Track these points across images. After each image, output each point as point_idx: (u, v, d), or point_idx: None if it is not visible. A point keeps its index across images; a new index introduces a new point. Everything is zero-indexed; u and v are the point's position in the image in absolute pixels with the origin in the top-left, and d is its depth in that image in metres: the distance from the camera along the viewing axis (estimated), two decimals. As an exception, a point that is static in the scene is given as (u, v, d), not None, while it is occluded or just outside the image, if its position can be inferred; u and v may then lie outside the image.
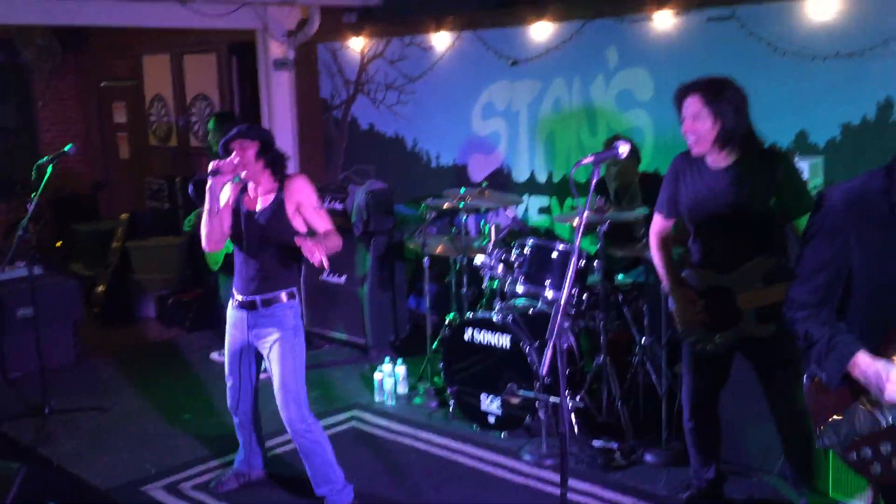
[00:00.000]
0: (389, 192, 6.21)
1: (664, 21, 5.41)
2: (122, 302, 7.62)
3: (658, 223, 3.68)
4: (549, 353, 2.47)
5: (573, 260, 2.55)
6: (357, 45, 7.18)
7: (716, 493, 3.82)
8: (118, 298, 7.61)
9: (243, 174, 3.74)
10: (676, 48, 5.38)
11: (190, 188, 3.93)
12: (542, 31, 5.99)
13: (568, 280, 2.54)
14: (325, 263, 3.52)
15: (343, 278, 6.28)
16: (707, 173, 3.43)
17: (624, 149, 2.63)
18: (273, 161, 3.79)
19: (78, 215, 9.42)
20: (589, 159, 2.64)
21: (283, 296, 3.79)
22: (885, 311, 2.33)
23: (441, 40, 6.59)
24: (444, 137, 6.80)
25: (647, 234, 4.53)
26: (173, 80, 8.79)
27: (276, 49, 7.23)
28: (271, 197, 3.78)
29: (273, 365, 3.80)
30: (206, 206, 3.76)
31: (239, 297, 3.85)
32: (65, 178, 10.13)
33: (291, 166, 7.20)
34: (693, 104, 3.32)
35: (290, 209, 3.75)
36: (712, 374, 3.65)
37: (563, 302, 2.52)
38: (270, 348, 3.79)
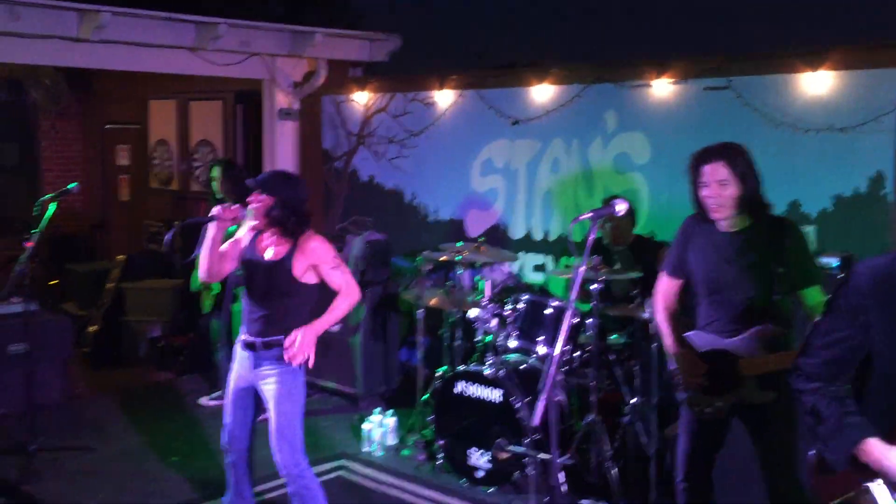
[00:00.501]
0: (387, 244, 6.28)
1: (662, 88, 5.55)
2: (114, 343, 7.60)
3: (664, 283, 3.69)
4: (541, 405, 2.49)
5: (568, 313, 2.60)
6: (361, 98, 7.32)
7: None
8: (110, 339, 7.60)
9: (250, 223, 3.80)
10: (674, 114, 5.52)
11: (168, 235, 3.89)
12: (542, 93, 6.13)
13: (563, 332, 2.58)
14: (310, 363, 3.74)
15: (337, 327, 6.28)
16: (718, 237, 3.47)
17: (622, 207, 2.69)
18: (283, 221, 3.74)
19: (75, 255, 9.44)
20: (587, 215, 2.70)
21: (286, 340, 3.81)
22: None
23: (444, 97, 6.74)
24: (442, 192, 6.89)
25: (639, 296, 4.62)
26: (178, 125, 8.92)
27: (282, 99, 7.37)
28: (283, 251, 3.80)
29: (271, 406, 3.81)
30: (205, 244, 3.81)
31: (244, 337, 3.88)
32: (64, 218, 10.19)
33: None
34: (719, 170, 3.36)
35: (298, 268, 3.77)
36: (709, 438, 3.64)
37: (556, 354, 2.55)
38: (269, 390, 3.80)
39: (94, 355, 7.49)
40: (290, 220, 3.75)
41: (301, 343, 3.70)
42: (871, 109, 4.71)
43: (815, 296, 3.45)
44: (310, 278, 3.81)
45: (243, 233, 3.92)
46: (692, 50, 5.52)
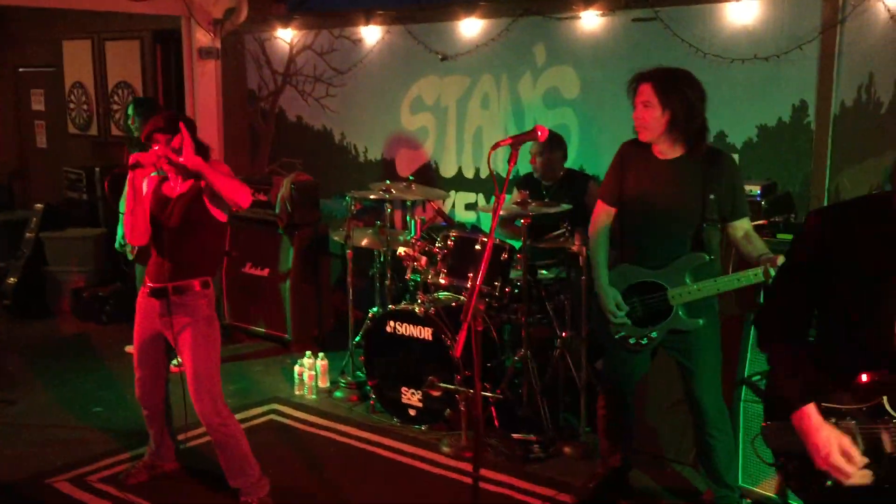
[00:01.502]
0: (315, 185, 6.14)
1: (591, 20, 5.47)
2: (36, 295, 7.35)
3: (600, 211, 3.67)
4: (462, 335, 2.44)
5: (489, 241, 2.54)
6: (286, 36, 7.08)
7: (621, 480, 3.88)
8: (31, 291, 7.35)
9: (164, 165, 3.63)
10: (602, 47, 5.45)
11: (105, 185, 3.80)
12: (471, 28, 6.00)
13: (483, 261, 2.53)
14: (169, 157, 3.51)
15: (265, 271, 6.17)
16: (653, 163, 3.46)
17: (542, 132, 2.62)
18: (194, 149, 3.63)
19: (-8, 205, 9.07)
20: (507, 141, 2.63)
21: (197, 284, 3.68)
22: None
23: (371, 34, 6.55)
24: (372, 131, 6.75)
25: (569, 229, 4.60)
26: (94, 67, 8.52)
27: (202, 38, 7.08)
28: (189, 183, 3.68)
29: (185, 355, 3.69)
30: (127, 200, 3.66)
31: (150, 285, 3.73)
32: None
33: (216, 157, 7.06)
34: (645, 92, 3.35)
35: (208, 195, 3.66)
36: (633, 367, 3.70)
37: (478, 283, 2.50)
38: (182, 338, 3.67)
39: (15, 307, 7.24)
40: (199, 148, 3.64)
41: (187, 156, 3.51)
42: (795, 38, 4.70)
43: (743, 226, 3.47)
44: (218, 214, 3.67)
45: (146, 185, 3.76)
46: (620, -20, 5.42)
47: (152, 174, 3.72)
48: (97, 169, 7.91)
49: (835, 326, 2.23)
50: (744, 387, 3.76)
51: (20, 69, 9.54)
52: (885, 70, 4.47)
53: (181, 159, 3.52)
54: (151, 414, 3.97)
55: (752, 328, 3.79)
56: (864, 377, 2.11)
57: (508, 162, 2.57)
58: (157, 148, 3.61)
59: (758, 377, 3.62)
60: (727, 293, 3.79)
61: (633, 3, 5.29)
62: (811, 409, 2.12)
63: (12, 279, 7.36)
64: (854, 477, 2.06)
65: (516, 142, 2.62)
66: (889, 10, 4.31)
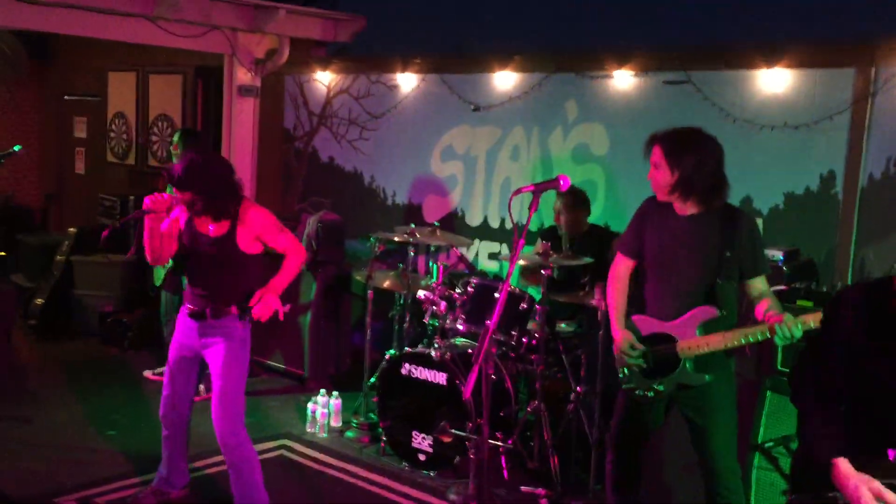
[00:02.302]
0: (341, 224, 6.22)
1: (623, 80, 5.55)
2: (62, 316, 7.46)
3: (619, 263, 3.71)
4: (472, 377, 2.46)
5: (504, 287, 2.57)
6: (324, 78, 7.24)
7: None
8: (57, 312, 7.45)
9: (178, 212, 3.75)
10: (633, 107, 5.52)
11: (104, 234, 3.78)
12: (505, 81, 6.11)
13: (498, 306, 2.55)
14: (280, 315, 3.83)
15: (287, 307, 6.20)
16: (672, 219, 3.51)
17: (564, 181, 2.67)
18: (209, 209, 3.69)
19: (27, 227, 9.25)
20: (529, 188, 2.68)
21: (234, 308, 3.76)
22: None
23: (407, 81, 6.68)
24: (402, 176, 6.84)
25: (589, 283, 4.62)
26: (137, 99, 8.76)
27: (243, 76, 7.26)
28: (225, 227, 3.76)
29: (214, 373, 3.77)
30: (144, 239, 3.75)
31: (189, 307, 3.82)
32: (17, 190, 9.99)
33: (248, 193, 7.19)
34: (655, 153, 3.45)
35: (242, 241, 3.76)
36: (643, 421, 3.67)
37: (491, 327, 2.52)
38: (215, 356, 3.75)
39: (41, 328, 7.34)
40: (214, 204, 3.69)
41: (264, 301, 3.71)
42: (826, 108, 4.74)
43: (758, 286, 3.48)
44: (255, 248, 3.78)
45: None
46: (653, 43, 5.50)
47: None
48: (131, 197, 8.08)
49: (861, 402, 2.26)
50: (757, 453, 3.72)
51: (66, 96, 9.82)
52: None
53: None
54: (171, 434, 4.01)
55: (769, 394, 3.76)
56: (891, 454, 2.14)
57: (529, 209, 2.61)
58: (166, 198, 3.69)
59: (771, 444, 3.58)
60: (746, 358, 3.79)
61: (665, 65, 5.36)
62: (842, 462, 2.17)
63: (40, 300, 7.47)
64: None
65: (538, 189, 2.66)
66: (920, 86, 4.34)
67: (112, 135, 9.14)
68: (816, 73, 4.82)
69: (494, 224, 6.30)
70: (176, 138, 5.82)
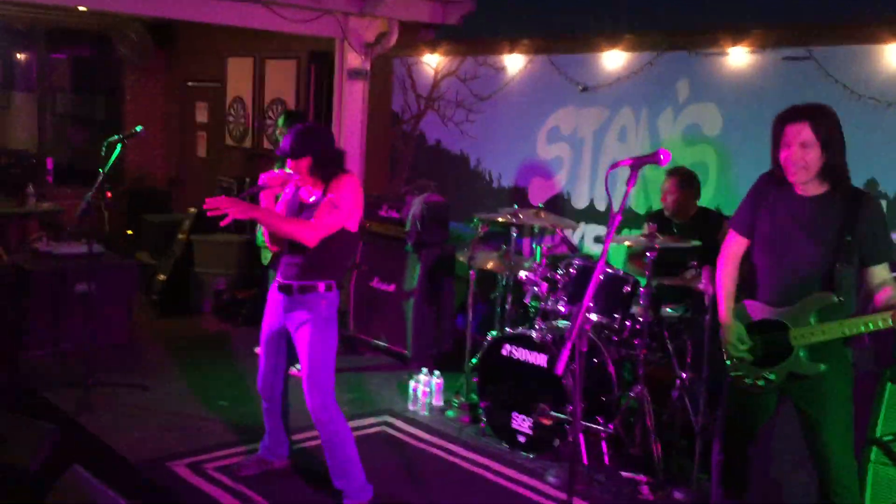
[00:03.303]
0: (445, 206, 6.24)
1: (738, 57, 5.32)
2: (181, 293, 7.79)
3: (731, 242, 3.56)
4: (565, 352, 2.41)
5: (600, 263, 2.50)
6: (432, 61, 7.27)
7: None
8: (177, 289, 7.79)
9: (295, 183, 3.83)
10: (749, 85, 5.29)
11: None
12: (613, 60, 5.97)
13: (592, 284, 2.49)
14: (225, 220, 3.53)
15: (392, 286, 6.31)
16: (792, 199, 3.32)
17: (666, 157, 2.57)
18: (323, 173, 3.80)
19: (151, 208, 9.72)
20: (626, 162, 2.60)
21: (321, 286, 3.82)
22: None
23: (514, 62, 6.63)
24: (507, 158, 6.80)
25: (697, 267, 4.46)
26: (254, 84, 9.05)
27: (353, 59, 7.37)
28: (319, 193, 3.84)
29: (301, 351, 3.84)
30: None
31: (279, 280, 3.91)
32: (143, 173, 10.51)
33: (356, 170, 7.30)
34: (804, 131, 3.21)
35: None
36: (753, 412, 3.52)
37: (585, 301, 2.47)
38: (301, 335, 3.82)
39: (162, 303, 7.69)
40: (327, 169, 3.78)
41: (224, 202, 3.56)
42: (961, 83, 4.41)
43: (881, 273, 3.27)
44: (346, 222, 3.79)
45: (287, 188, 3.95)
46: (771, 18, 5.25)
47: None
48: (247, 179, 8.36)
49: None
50: (874, 447, 3.51)
51: (188, 83, 10.25)
52: None
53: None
54: (270, 407, 4.13)
55: (889, 385, 3.54)
56: None
57: (627, 184, 2.53)
58: (280, 173, 3.81)
59: (890, 438, 3.37)
60: (865, 346, 3.58)
61: (784, 40, 5.11)
62: None
63: (162, 276, 7.84)
64: None
65: (636, 164, 2.58)
66: None
67: (230, 119, 9.48)
68: (952, 45, 4.49)
69: (601, 207, 6.18)
70: (281, 121, 5.96)
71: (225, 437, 4.74)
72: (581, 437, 4.51)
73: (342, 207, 3.74)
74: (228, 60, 9.41)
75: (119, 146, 5.04)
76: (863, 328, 3.17)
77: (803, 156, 3.21)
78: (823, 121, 3.22)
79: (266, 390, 4.10)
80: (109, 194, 8.47)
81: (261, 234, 5.54)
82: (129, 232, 9.50)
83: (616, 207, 2.52)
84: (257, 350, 6.30)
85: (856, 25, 4.85)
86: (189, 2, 6.36)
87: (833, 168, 3.22)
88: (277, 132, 5.98)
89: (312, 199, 3.86)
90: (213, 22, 6.69)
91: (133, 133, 5.22)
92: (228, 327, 7.20)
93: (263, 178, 3.83)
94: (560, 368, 2.46)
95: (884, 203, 4.62)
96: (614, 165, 2.63)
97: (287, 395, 4.18)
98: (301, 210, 3.86)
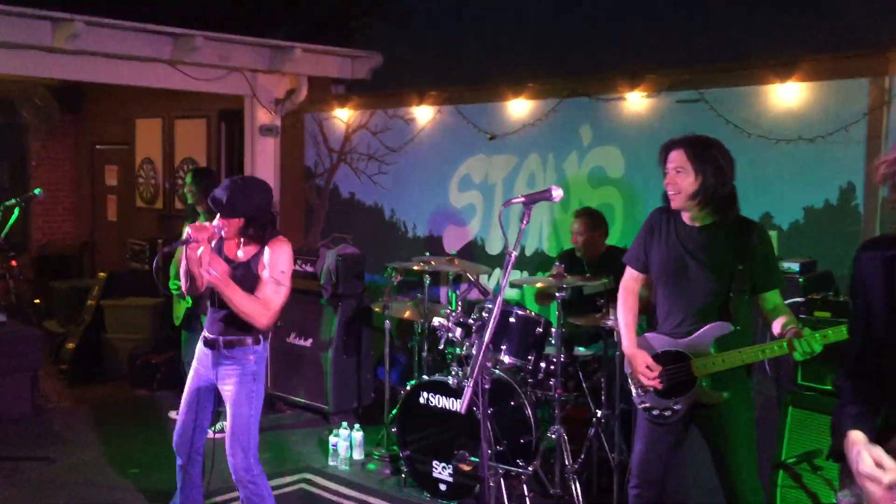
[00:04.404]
0: (360, 257, 6.23)
1: (636, 101, 5.52)
2: (92, 360, 7.55)
3: (628, 277, 3.65)
4: (468, 392, 2.42)
5: (499, 298, 2.53)
6: (343, 115, 7.33)
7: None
8: (88, 356, 7.54)
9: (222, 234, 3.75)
10: (647, 127, 5.48)
11: (155, 261, 3.87)
12: (519, 108, 6.12)
13: (493, 318, 2.52)
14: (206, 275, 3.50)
15: (309, 341, 6.23)
16: (682, 230, 3.43)
17: (557, 193, 2.64)
18: (255, 235, 3.72)
19: (63, 274, 9.44)
20: (520, 199, 2.65)
21: (249, 339, 3.75)
22: None
23: (423, 113, 6.73)
24: (421, 208, 6.86)
25: (607, 305, 4.55)
26: (163, 144, 8.95)
27: (264, 116, 7.38)
28: (251, 252, 3.75)
29: (228, 408, 3.76)
30: (181, 265, 3.78)
31: (206, 334, 3.82)
32: (51, 238, 10.22)
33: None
34: (677, 158, 3.35)
35: (259, 267, 3.75)
36: (663, 442, 3.56)
37: (486, 339, 2.48)
38: (227, 390, 3.75)
39: (72, 372, 7.42)
40: (263, 229, 3.72)
41: (215, 262, 3.54)
42: (841, 119, 4.66)
43: (773, 299, 3.39)
44: None
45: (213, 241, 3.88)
46: (664, 63, 5.49)
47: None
48: (160, 241, 8.21)
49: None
50: (781, 471, 3.60)
51: (97, 146, 10.07)
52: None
53: (210, 271, 3.58)
54: (185, 464, 3.99)
55: (791, 409, 3.65)
56: None
57: (521, 220, 2.58)
58: (212, 227, 3.71)
59: (793, 460, 3.46)
60: (766, 373, 3.69)
61: (677, 84, 5.33)
62: (854, 432, 2.07)
63: (71, 345, 7.58)
64: (883, 489, 1.94)
65: (529, 200, 2.64)
66: (935, 91, 4.25)
67: (140, 180, 9.33)
68: (830, 85, 4.75)
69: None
70: (189, 179, 5.90)
71: (137, 505, 4.57)
72: (502, 481, 4.49)
73: (283, 282, 3.69)
74: (137, 122, 9.30)
75: (17, 210, 4.90)
76: (761, 355, 3.27)
77: (676, 180, 3.34)
78: (698, 148, 3.35)
79: (183, 447, 3.95)
80: (14, 262, 8.24)
81: (175, 281, 5.38)
82: (37, 301, 9.18)
83: (511, 244, 2.55)
84: (173, 414, 6.16)
85: (742, 68, 5.10)
86: (95, 64, 6.27)
87: (713, 195, 3.32)
88: (186, 189, 5.91)
89: (241, 253, 3.77)
90: (120, 83, 6.61)
91: (31, 196, 5.09)
92: (143, 392, 6.98)
93: (189, 232, 3.70)
94: (464, 407, 2.46)
95: (776, 235, 4.81)
96: (507, 203, 2.69)
97: (203, 454, 4.04)
98: (230, 267, 3.77)
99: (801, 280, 3.91)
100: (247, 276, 3.71)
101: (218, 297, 3.76)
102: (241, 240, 3.77)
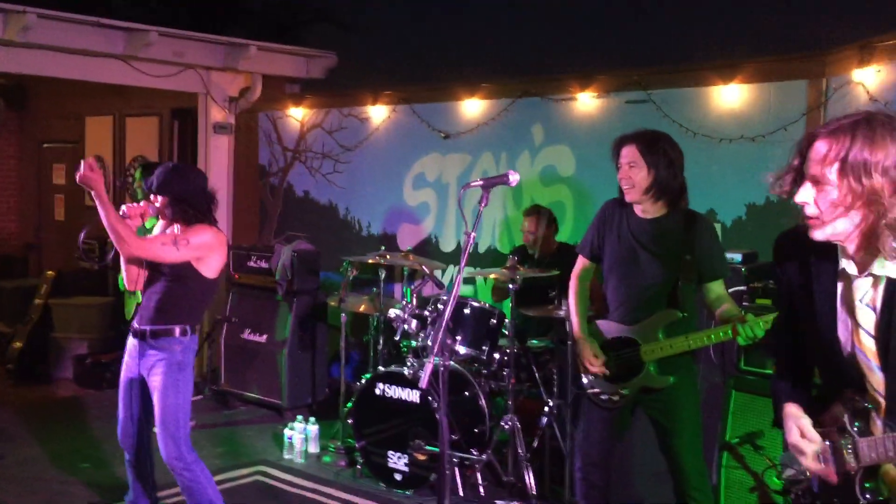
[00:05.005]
0: (316, 254, 6.27)
1: (586, 102, 5.68)
2: (39, 360, 7.43)
3: (579, 266, 3.78)
4: (428, 368, 2.50)
5: (458, 278, 2.62)
6: (297, 114, 7.36)
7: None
8: (35, 356, 7.42)
9: (156, 219, 3.78)
10: (597, 127, 5.64)
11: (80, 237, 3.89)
12: (473, 108, 6.23)
13: (452, 299, 2.61)
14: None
15: (263, 338, 6.25)
16: (634, 221, 3.56)
17: (514, 177, 2.74)
18: (180, 216, 3.75)
19: (6, 274, 9.26)
20: (478, 183, 2.75)
21: (177, 329, 3.76)
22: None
23: (378, 112, 6.81)
24: (375, 207, 6.92)
25: (559, 297, 4.68)
26: (114, 142, 8.86)
27: (217, 114, 7.37)
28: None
29: (155, 398, 3.75)
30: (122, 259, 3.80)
31: (135, 325, 3.82)
32: (-3, 238, 10.02)
33: (225, 230, 7.24)
34: (630, 153, 3.48)
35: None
36: (610, 427, 3.68)
37: (446, 318, 2.57)
38: (153, 380, 3.74)
39: (19, 371, 7.31)
40: (187, 212, 3.74)
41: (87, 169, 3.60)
42: (780, 119, 4.87)
43: (717, 289, 3.53)
44: (202, 268, 3.77)
45: (156, 230, 3.91)
46: (614, 65, 5.66)
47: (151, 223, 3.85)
48: (109, 240, 8.11)
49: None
50: (725, 452, 3.75)
51: (44, 144, 9.91)
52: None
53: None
54: (132, 460, 3.98)
55: (734, 393, 3.81)
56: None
57: (480, 203, 2.68)
58: (142, 205, 3.77)
59: (737, 441, 3.61)
60: (711, 361, 3.83)
61: (626, 86, 5.50)
62: (789, 405, 2.15)
63: (18, 344, 7.45)
64: (809, 458, 2.04)
65: (487, 184, 2.74)
66: (868, 93, 4.47)
67: (90, 179, 9.20)
68: (770, 86, 4.97)
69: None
70: (138, 174, 5.88)
71: (88, 498, 4.54)
72: (456, 470, 4.58)
73: (181, 249, 3.67)
74: (87, 120, 9.19)
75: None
76: (706, 340, 3.41)
77: (630, 174, 3.48)
78: (650, 143, 3.50)
79: (126, 441, 3.94)
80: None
81: (121, 277, 5.36)
82: (-19, 301, 8.98)
83: (470, 226, 2.65)
84: (121, 412, 6.11)
85: (688, 70, 5.29)
86: (47, 58, 6.21)
87: (664, 188, 3.48)
88: (136, 185, 5.89)
89: None
90: (72, 78, 6.55)
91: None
92: (91, 392, 6.89)
93: (122, 209, 3.77)
94: (424, 382, 2.54)
95: (722, 231, 4.99)
96: (466, 186, 2.79)
97: (148, 446, 4.03)
98: None
99: (743, 270, 4.08)
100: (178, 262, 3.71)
101: (150, 292, 3.79)
102: (177, 225, 3.80)
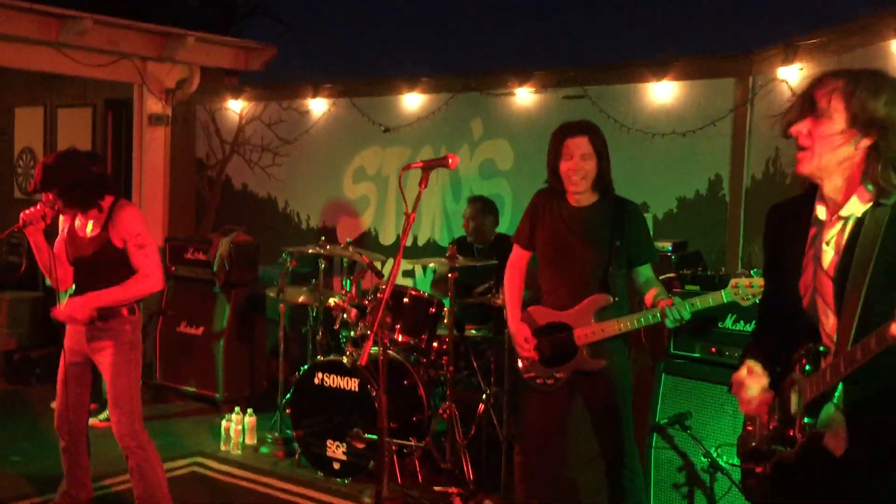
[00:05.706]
0: (254, 245, 6.23)
1: (525, 97, 5.79)
2: (-36, 356, 7.21)
3: (515, 255, 3.86)
4: (367, 345, 2.54)
5: (398, 257, 2.67)
6: (236, 106, 7.31)
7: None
8: (-40, 352, 7.21)
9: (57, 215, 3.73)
10: (535, 122, 5.75)
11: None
12: (413, 102, 6.29)
13: (392, 275, 2.65)
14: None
15: (200, 330, 6.18)
16: (567, 210, 3.65)
17: (454, 160, 2.81)
18: (73, 204, 3.65)
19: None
20: (418, 164, 2.81)
21: (124, 310, 3.73)
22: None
23: (318, 106, 6.81)
24: (315, 200, 6.92)
25: (496, 286, 4.76)
26: (45, 134, 8.65)
27: (154, 105, 7.27)
28: (100, 222, 3.71)
29: (107, 377, 3.72)
30: (37, 258, 3.74)
31: None
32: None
33: (159, 223, 7.15)
34: (584, 145, 3.54)
35: (116, 238, 3.69)
36: (546, 411, 3.77)
37: (386, 294, 2.61)
38: (105, 360, 3.71)
39: (-58, 368, 7.08)
40: (78, 198, 3.64)
41: (71, 307, 3.60)
42: (709, 116, 5.05)
43: (645, 272, 3.66)
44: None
45: (60, 225, 3.85)
46: (552, 62, 5.80)
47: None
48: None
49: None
50: (655, 433, 3.87)
51: (-29, 135, 9.61)
52: (790, 144, 4.78)
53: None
54: (68, 446, 3.91)
55: (663, 376, 3.93)
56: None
57: (419, 185, 2.73)
58: (39, 207, 3.69)
59: (665, 422, 3.73)
60: (642, 345, 3.96)
61: (563, 82, 5.63)
62: (748, 362, 2.21)
63: (-59, 340, 7.22)
64: (754, 390, 2.13)
65: (427, 166, 2.80)
66: (792, 90, 4.66)
67: (19, 171, 8.98)
68: (700, 83, 5.15)
69: (407, 242, 6.41)
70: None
71: (20, 490, 4.44)
72: (395, 457, 4.62)
73: (146, 242, 3.70)
74: (16, 111, 8.95)
75: None
76: (637, 324, 3.53)
77: (583, 166, 3.56)
78: (598, 135, 3.62)
79: (63, 427, 3.89)
80: None
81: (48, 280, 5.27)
82: None
83: (410, 207, 2.70)
84: (53, 405, 5.97)
85: (622, 66, 5.45)
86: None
87: (604, 178, 3.60)
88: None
89: (89, 229, 3.71)
90: (1, 65, 6.38)
91: None
92: (20, 388, 6.72)
93: (23, 215, 3.67)
94: (364, 359, 2.58)
95: (651, 218, 5.15)
96: (406, 167, 2.84)
97: (88, 433, 3.99)
98: (78, 242, 3.74)
99: (673, 258, 4.22)
100: (107, 250, 3.68)
101: (84, 279, 3.75)
102: (77, 214, 3.74)
